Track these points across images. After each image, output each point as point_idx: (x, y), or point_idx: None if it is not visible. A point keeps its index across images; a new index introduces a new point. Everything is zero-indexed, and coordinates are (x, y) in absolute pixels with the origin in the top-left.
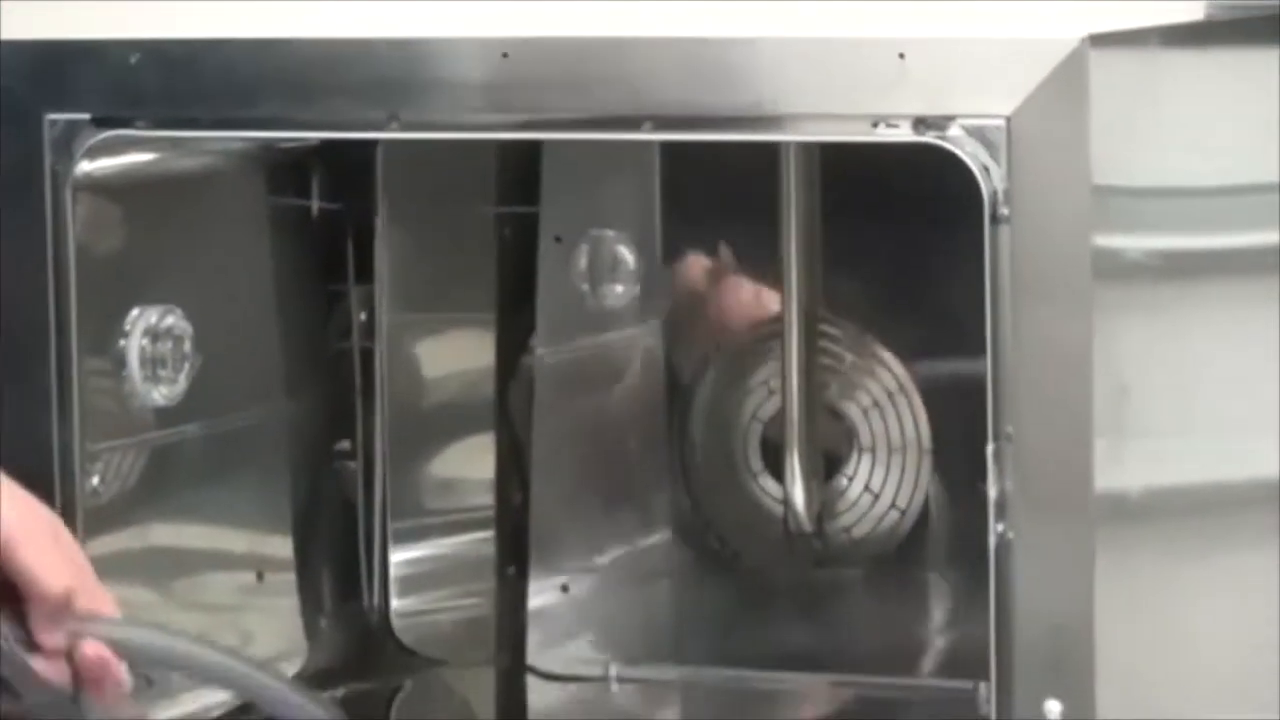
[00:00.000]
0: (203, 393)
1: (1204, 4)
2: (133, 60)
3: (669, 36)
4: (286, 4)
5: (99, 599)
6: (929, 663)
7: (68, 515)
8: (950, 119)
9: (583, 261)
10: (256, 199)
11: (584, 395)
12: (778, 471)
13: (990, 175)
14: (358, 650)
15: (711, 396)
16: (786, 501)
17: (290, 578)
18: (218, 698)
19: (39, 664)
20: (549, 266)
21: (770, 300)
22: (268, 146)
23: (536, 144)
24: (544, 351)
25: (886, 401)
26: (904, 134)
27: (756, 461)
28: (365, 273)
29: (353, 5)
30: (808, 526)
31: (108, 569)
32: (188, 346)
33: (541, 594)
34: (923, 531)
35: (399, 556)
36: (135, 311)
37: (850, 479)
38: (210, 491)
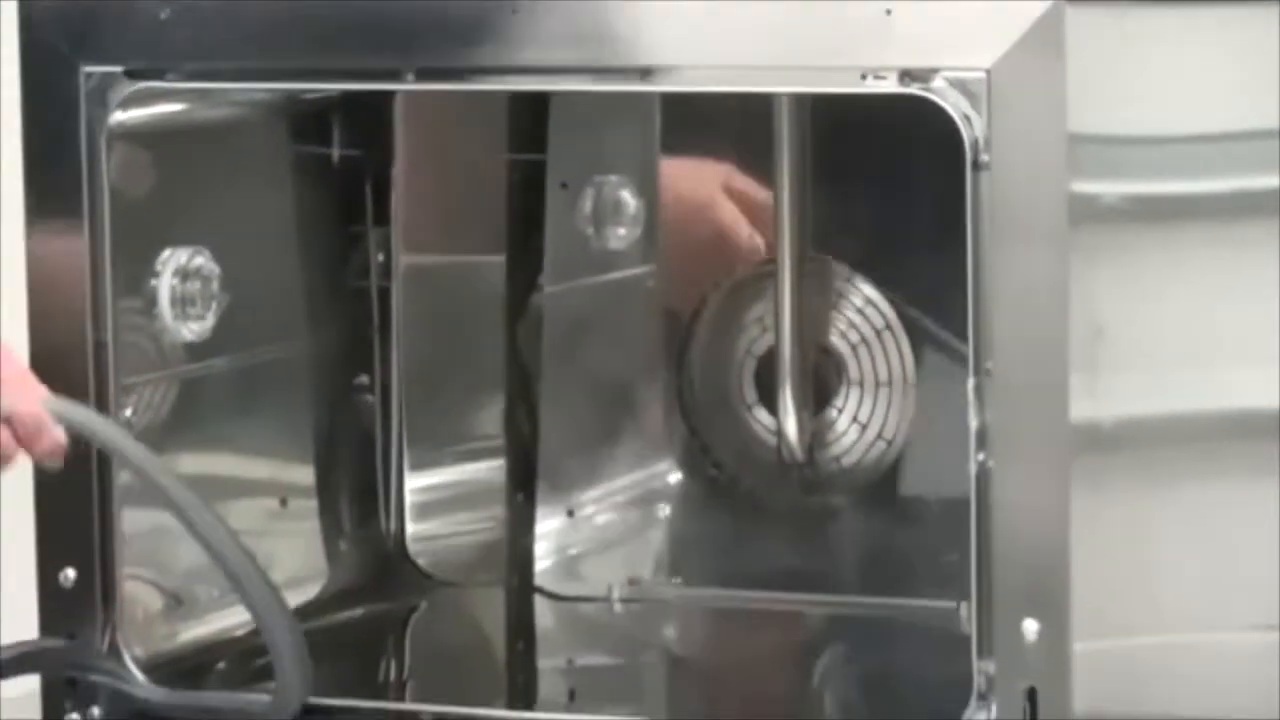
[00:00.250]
0: (229, 329)
1: None
2: (163, 16)
3: None
4: None
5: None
6: (914, 584)
7: None
8: (934, 71)
9: (587, 206)
10: (280, 147)
11: (588, 331)
12: (771, 404)
13: (971, 124)
14: (376, 572)
15: (708, 333)
16: (779, 432)
17: (312, 504)
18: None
19: None
20: (556, 211)
21: (762, 242)
22: (291, 97)
23: (544, 95)
24: (551, 290)
25: (874, 338)
26: (890, 85)
27: (751, 394)
28: (383, 216)
29: None
30: (799, 456)
31: (140, 495)
32: (215, 286)
33: (548, 519)
34: (908, 460)
35: (414, 484)
36: (166, 253)
37: (839, 411)
38: (237, 422)
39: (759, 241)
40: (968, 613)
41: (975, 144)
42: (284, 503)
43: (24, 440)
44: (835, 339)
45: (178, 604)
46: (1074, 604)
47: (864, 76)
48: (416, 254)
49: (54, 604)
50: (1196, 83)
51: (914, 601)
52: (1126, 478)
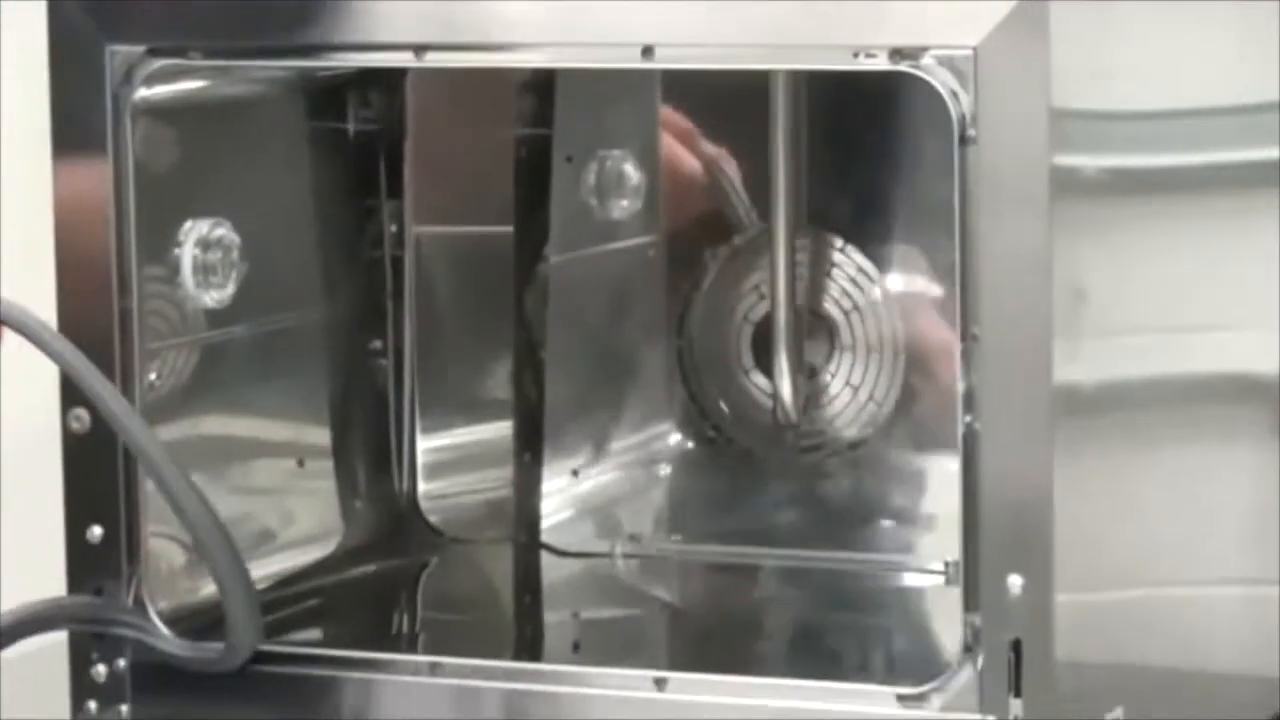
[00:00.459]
0: (249, 297)
1: None
2: None
3: None
4: None
5: None
6: (904, 540)
7: None
8: (923, 49)
9: (591, 178)
10: (298, 121)
11: (592, 299)
12: (767, 368)
13: (959, 100)
14: (389, 529)
15: (707, 300)
16: (775, 395)
17: (328, 464)
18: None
19: None
20: (561, 183)
21: (758, 213)
22: (309, 74)
23: (551, 72)
24: (557, 260)
25: (866, 305)
26: (881, 63)
27: (748, 358)
28: (396, 189)
29: None
30: (794, 417)
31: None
32: (235, 255)
33: (554, 478)
34: (898, 422)
35: (426, 445)
36: (188, 224)
37: (833, 375)
38: (256, 386)
39: (754, 214)
40: (953, 569)
41: (963, 119)
42: (301, 463)
43: None
44: (829, 306)
45: (199, 559)
46: (1057, 560)
47: (856, 55)
48: (428, 225)
49: (81, 560)
50: (1176, 60)
51: (904, 557)
52: (1107, 439)
